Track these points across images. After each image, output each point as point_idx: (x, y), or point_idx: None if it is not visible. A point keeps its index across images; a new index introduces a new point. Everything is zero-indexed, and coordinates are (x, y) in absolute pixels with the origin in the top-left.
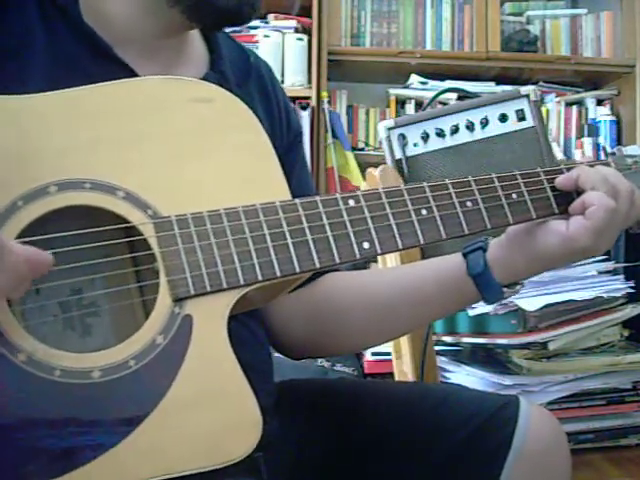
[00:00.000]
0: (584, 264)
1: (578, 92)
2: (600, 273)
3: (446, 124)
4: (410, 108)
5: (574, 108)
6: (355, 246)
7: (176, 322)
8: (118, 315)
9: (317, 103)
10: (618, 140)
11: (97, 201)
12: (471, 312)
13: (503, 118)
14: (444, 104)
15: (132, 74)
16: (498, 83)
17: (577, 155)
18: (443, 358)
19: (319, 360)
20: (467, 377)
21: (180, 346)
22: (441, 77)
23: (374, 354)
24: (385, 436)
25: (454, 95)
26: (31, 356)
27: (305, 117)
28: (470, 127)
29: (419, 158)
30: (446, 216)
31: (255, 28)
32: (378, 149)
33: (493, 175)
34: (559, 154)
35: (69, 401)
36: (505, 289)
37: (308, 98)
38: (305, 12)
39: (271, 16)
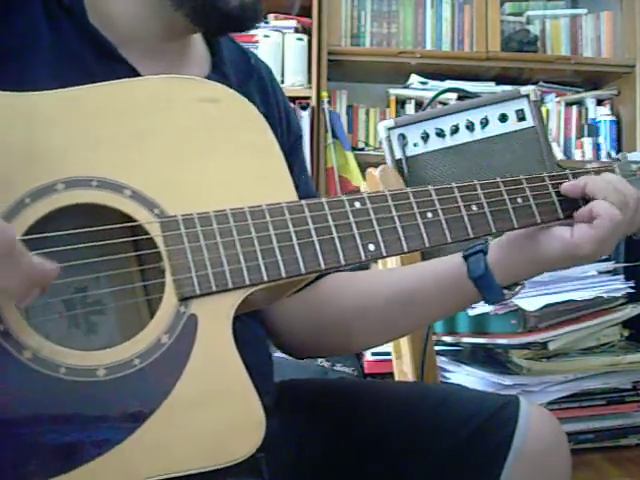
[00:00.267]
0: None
1: (578, 92)
2: (600, 273)
3: (446, 124)
4: (410, 108)
5: (574, 108)
6: (361, 248)
7: (181, 321)
8: (123, 314)
9: (317, 103)
10: (618, 140)
11: (104, 199)
12: (471, 312)
13: (503, 118)
14: (444, 104)
15: (135, 74)
16: (498, 83)
17: (577, 155)
18: (443, 358)
19: (319, 360)
20: (467, 377)
21: (185, 345)
22: (441, 77)
23: (374, 354)
24: (385, 436)
25: (454, 95)
26: (36, 353)
27: (305, 117)
28: (470, 127)
29: (419, 158)
30: (452, 219)
31: (255, 28)
32: (378, 149)
33: (499, 179)
34: (559, 154)
35: (74, 399)
36: (506, 291)
37: (308, 98)
38: (305, 12)
39: (271, 16)
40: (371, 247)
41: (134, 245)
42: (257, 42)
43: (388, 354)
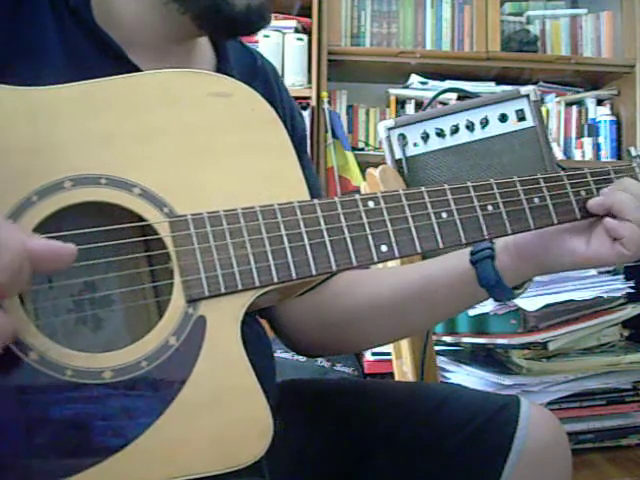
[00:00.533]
0: None
1: (578, 92)
2: (600, 273)
3: (446, 124)
4: (410, 108)
5: (574, 108)
6: (373, 249)
7: (189, 323)
8: (131, 314)
9: (317, 103)
10: (618, 140)
11: (113, 197)
12: (471, 312)
13: (503, 118)
14: (444, 104)
15: None
16: (498, 83)
17: (577, 155)
18: (443, 358)
19: (319, 360)
20: (467, 377)
21: (193, 348)
22: (441, 77)
23: (374, 354)
24: (385, 436)
25: (454, 95)
26: (43, 355)
27: (305, 117)
28: (470, 127)
29: (419, 158)
30: (466, 220)
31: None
32: (378, 149)
33: (515, 178)
34: (559, 154)
35: (80, 401)
36: (515, 291)
37: (308, 98)
38: (305, 12)
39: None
40: (384, 248)
41: (144, 245)
42: (257, 42)
43: (388, 354)
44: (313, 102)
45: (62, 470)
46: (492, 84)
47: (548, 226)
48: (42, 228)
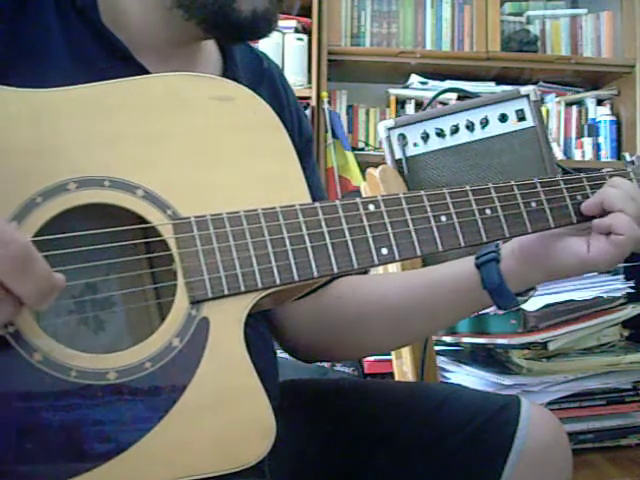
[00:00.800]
0: None
1: (578, 92)
2: (600, 273)
3: (446, 124)
4: (410, 108)
5: (574, 108)
6: (374, 252)
7: (193, 325)
8: (134, 316)
9: (317, 103)
10: (618, 140)
11: (116, 199)
12: None
13: (503, 118)
14: (444, 104)
15: None
16: (498, 83)
17: (577, 155)
18: (443, 358)
19: None
20: (467, 377)
21: (196, 349)
22: (441, 77)
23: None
24: (386, 436)
25: (454, 95)
26: (47, 356)
27: None
28: (470, 127)
29: (419, 158)
30: (465, 223)
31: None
32: (378, 149)
33: (512, 182)
34: (559, 154)
35: (84, 402)
36: (519, 297)
37: (308, 98)
38: (305, 12)
39: None
40: (384, 251)
41: (146, 246)
42: (257, 42)
43: (388, 354)
44: (313, 102)
45: (66, 471)
46: (492, 84)
47: (545, 229)
48: (46, 230)
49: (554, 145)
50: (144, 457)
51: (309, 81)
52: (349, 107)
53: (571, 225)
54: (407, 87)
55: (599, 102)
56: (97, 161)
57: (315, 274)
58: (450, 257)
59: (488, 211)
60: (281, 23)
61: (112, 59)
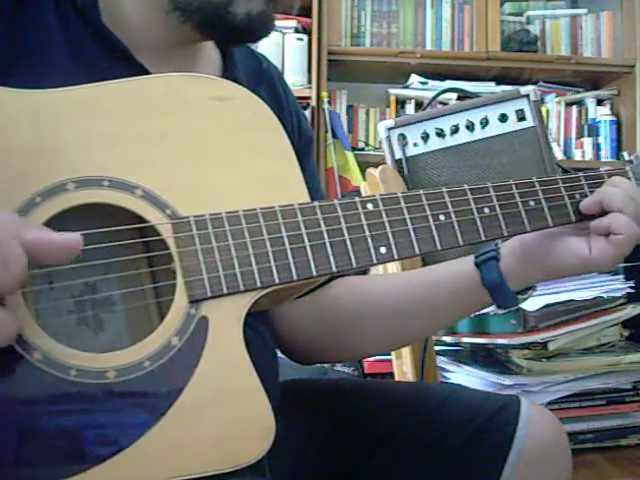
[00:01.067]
0: None
1: (578, 92)
2: (600, 273)
3: (446, 124)
4: (410, 108)
5: (574, 108)
6: (372, 251)
7: (192, 324)
8: (133, 316)
9: (317, 103)
10: (618, 140)
11: (115, 199)
12: None
13: (503, 118)
14: (444, 104)
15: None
16: (498, 83)
17: (577, 155)
18: (443, 358)
19: None
20: (467, 377)
21: (195, 348)
22: (441, 77)
23: None
24: (386, 436)
25: (454, 95)
26: (46, 355)
27: None
28: (470, 127)
29: (419, 158)
30: (463, 222)
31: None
32: (378, 149)
33: (511, 181)
34: (559, 154)
35: (84, 401)
36: (519, 296)
37: (308, 98)
38: (305, 12)
39: None
40: (383, 250)
41: (145, 246)
42: (256, 43)
43: (388, 354)
44: (313, 102)
45: (66, 469)
46: (492, 84)
47: (544, 228)
48: None
49: (554, 145)
50: (142, 456)
51: (309, 81)
52: (349, 107)
53: (570, 224)
54: (407, 87)
55: (599, 102)
56: (96, 161)
57: (314, 273)
58: (449, 257)
59: (486, 210)
60: (281, 23)
61: (112, 59)
